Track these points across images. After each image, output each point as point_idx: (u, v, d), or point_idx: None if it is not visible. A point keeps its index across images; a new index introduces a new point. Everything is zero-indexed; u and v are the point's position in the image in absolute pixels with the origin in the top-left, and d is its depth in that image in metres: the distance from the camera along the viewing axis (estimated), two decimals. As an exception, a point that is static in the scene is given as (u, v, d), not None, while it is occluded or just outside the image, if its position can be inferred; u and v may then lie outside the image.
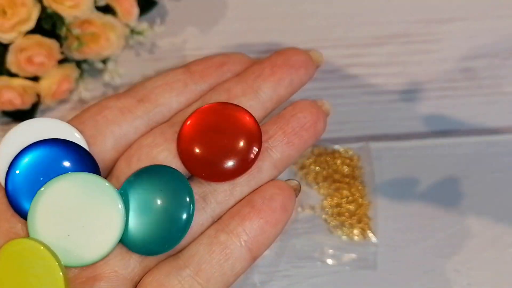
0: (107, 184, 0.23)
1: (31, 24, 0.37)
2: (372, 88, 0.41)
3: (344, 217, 0.37)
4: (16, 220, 0.23)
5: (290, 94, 0.27)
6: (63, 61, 0.39)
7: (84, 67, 0.41)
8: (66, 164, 0.23)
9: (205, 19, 0.44)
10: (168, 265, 0.23)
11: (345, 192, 0.38)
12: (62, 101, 0.41)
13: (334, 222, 0.37)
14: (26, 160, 0.23)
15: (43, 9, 0.37)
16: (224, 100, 0.25)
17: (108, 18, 0.40)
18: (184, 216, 0.23)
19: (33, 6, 0.37)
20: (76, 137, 0.24)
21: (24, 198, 0.23)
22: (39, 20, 0.37)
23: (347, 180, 0.38)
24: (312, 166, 0.38)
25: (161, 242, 0.23)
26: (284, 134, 0.25)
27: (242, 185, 0.24)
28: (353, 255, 0.36)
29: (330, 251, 0.36)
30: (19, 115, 0.40)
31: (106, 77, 0.41)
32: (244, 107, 0.25)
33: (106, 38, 0.40)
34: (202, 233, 0.24)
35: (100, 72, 0.41)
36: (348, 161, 0.39)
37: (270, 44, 0.45)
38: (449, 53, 0.42)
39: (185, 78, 0.26)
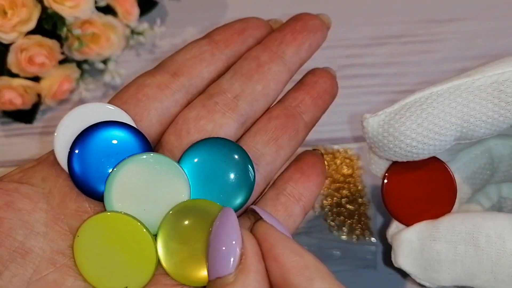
0: (170, 161, 0.25)
1: (32, 25, 0.37)
2: (372, 88, 0.41)
3: (344, 217, 0.37)
4: (82, 200, 0.25)
5: (309, 57, 0.29)
6: (63, 61, 0.40)
7: (84, 67, 0.41)
8: (122, 143, 0.25)
9: (205, 19, 0.44)
10: None
11: (345, 192, 0.38)
12: (63, 101, 0.41)
13: (334, 222, 0.37)
14: (86, 142, 0.25)
15: (44, 9, 0.38)
16: (254, 68, 0.27)
17: (109, 18, 0.40)
18: (248, 182, 0.26)
19: (33, 7, 0.37)
20: (125, 117, 0.26)
21: (91, 178, 0.25)
22: (40, 21, 0.37)
23: (347, 180, 0.38)
24: (312, 166, 0.38)
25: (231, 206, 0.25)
26: (311, 99, 0.28)
27: (284, 147, 0.27)
28: (353, 255, 0.36)
29: (330, 251, 0.36)
30: (20, 115, 0.40)
31: (107, 77, 0.41)
32: (274, 73, 0.27)
33: (107, 39, 0.40)
34: (261, 194, 0.27)
35: (100, 72, 0.41)
36: (348, 161, 0.39)
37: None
38: (448, 53, 0.42)
39: (211, 49, 0.28)
